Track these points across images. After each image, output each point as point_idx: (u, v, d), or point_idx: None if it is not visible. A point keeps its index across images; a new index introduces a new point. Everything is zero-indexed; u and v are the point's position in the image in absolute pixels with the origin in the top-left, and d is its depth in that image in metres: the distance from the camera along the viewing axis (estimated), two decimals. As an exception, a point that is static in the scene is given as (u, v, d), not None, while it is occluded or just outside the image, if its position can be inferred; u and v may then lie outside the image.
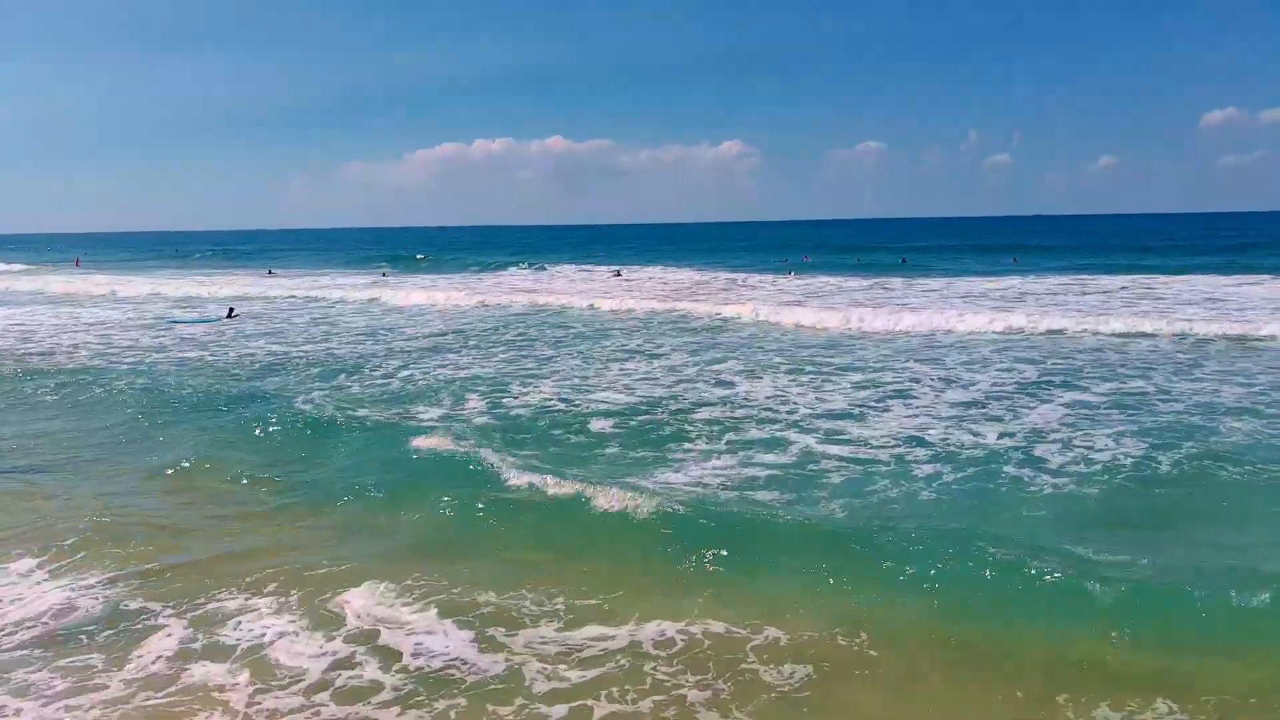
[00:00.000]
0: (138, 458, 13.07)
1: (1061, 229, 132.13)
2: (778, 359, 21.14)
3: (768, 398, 16.41)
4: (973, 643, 7.35)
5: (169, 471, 12.23)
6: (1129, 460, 11.87)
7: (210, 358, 23.07)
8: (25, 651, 7.33)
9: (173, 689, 6.78)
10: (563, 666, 7.02)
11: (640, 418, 14.96)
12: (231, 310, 34.12)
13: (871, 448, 12.82)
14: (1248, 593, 7.58)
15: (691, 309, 32.72)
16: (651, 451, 12.92)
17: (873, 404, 15.89)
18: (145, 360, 22.66)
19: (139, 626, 7.75)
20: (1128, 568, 8.36)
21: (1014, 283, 40.68)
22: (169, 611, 7.99)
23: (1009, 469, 11.69)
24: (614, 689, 6.72)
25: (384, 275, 59.23)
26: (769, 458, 12.40)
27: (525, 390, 17.52)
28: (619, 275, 53.91)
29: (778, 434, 13.65)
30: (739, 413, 15.21)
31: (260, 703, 6.61)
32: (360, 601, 8.07)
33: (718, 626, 7.58)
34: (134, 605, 8.13)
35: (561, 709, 6.46)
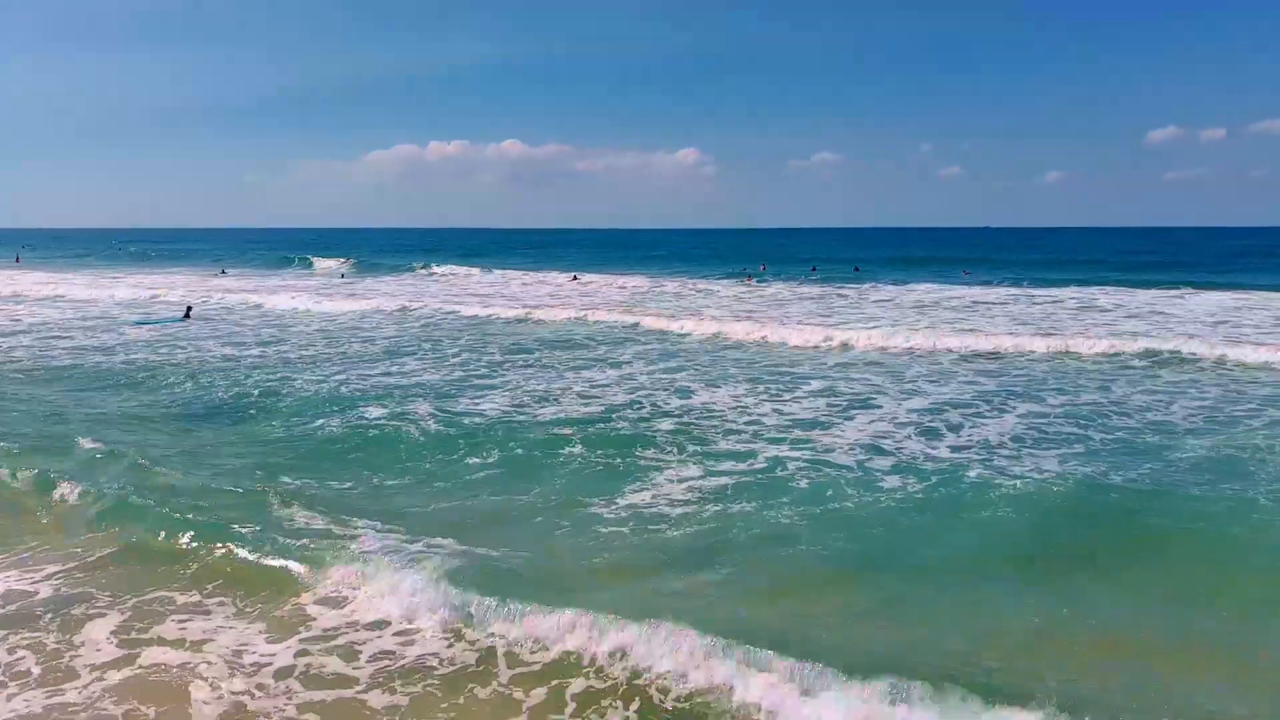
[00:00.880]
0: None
1: (1012, 242, 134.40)
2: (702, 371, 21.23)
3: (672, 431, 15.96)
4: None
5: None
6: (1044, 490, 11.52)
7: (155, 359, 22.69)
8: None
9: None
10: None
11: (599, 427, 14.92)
12: (189, 310, 33.63)
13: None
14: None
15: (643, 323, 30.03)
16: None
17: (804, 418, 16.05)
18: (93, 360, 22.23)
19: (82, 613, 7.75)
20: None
21: (964, 292, 41.41)
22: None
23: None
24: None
25: (343, 276, 59.49)
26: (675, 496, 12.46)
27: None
28: (576, 280, 53.94)
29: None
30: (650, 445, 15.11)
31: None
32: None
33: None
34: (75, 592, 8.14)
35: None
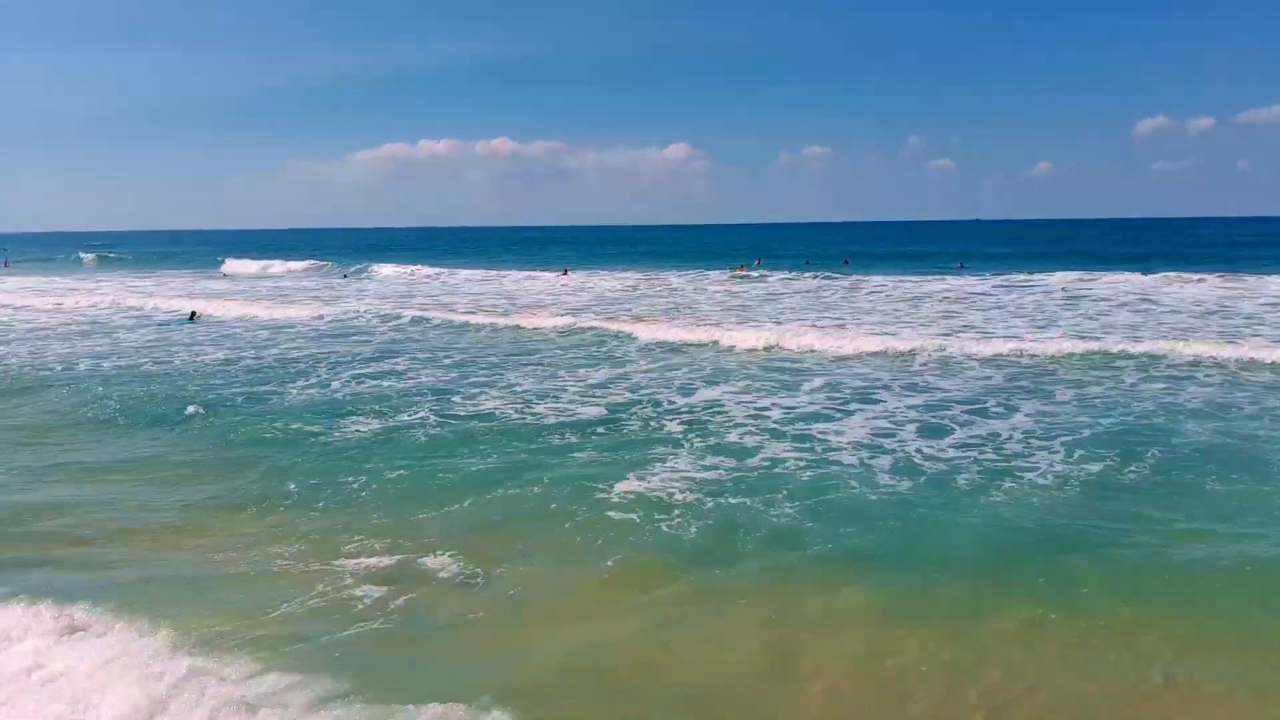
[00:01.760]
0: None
1: (1002, 234, 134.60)
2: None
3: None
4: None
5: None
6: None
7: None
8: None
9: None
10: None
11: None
12: (194, 314, 33.31)
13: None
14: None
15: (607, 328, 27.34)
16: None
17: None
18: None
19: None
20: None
21: (958, 283, 41.32)
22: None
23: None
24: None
25: (344, 277, 59.38)
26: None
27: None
28: (566, 275, 53.86)
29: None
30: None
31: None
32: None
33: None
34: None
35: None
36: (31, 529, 9.92)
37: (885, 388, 17.23)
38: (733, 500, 10.55)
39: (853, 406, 15.55)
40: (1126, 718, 6.35)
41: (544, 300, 39.09)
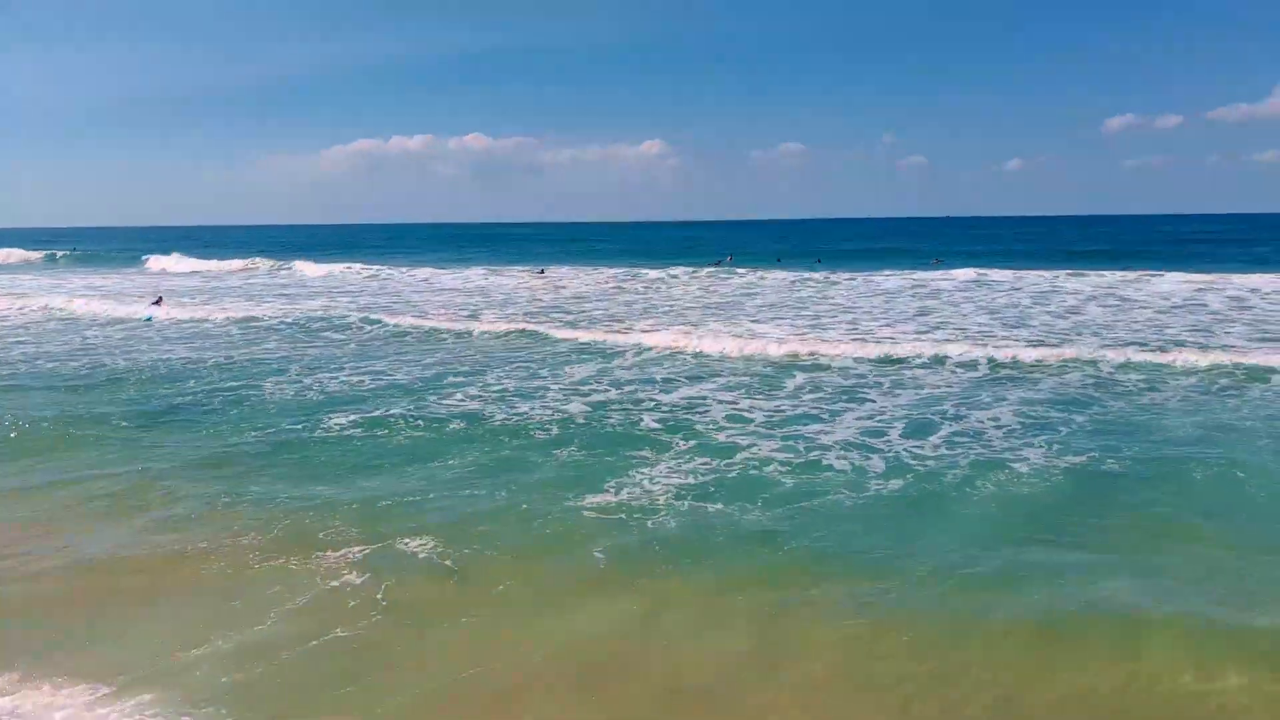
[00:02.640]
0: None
1: (974, 231, 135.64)
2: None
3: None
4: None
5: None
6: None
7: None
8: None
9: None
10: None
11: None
12: (159, 299, 33.29)
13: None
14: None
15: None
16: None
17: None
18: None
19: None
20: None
21: (925, 276, 41.53)
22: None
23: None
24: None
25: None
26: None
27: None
28: (543, 274, 53.49)
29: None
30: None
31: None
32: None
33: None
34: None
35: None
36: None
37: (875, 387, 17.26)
38: (718, 501, 10.53)
39: (839, 405, 15.58)
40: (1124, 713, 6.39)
41: (577, 293, 39.01)
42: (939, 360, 19.85)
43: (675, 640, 7.41)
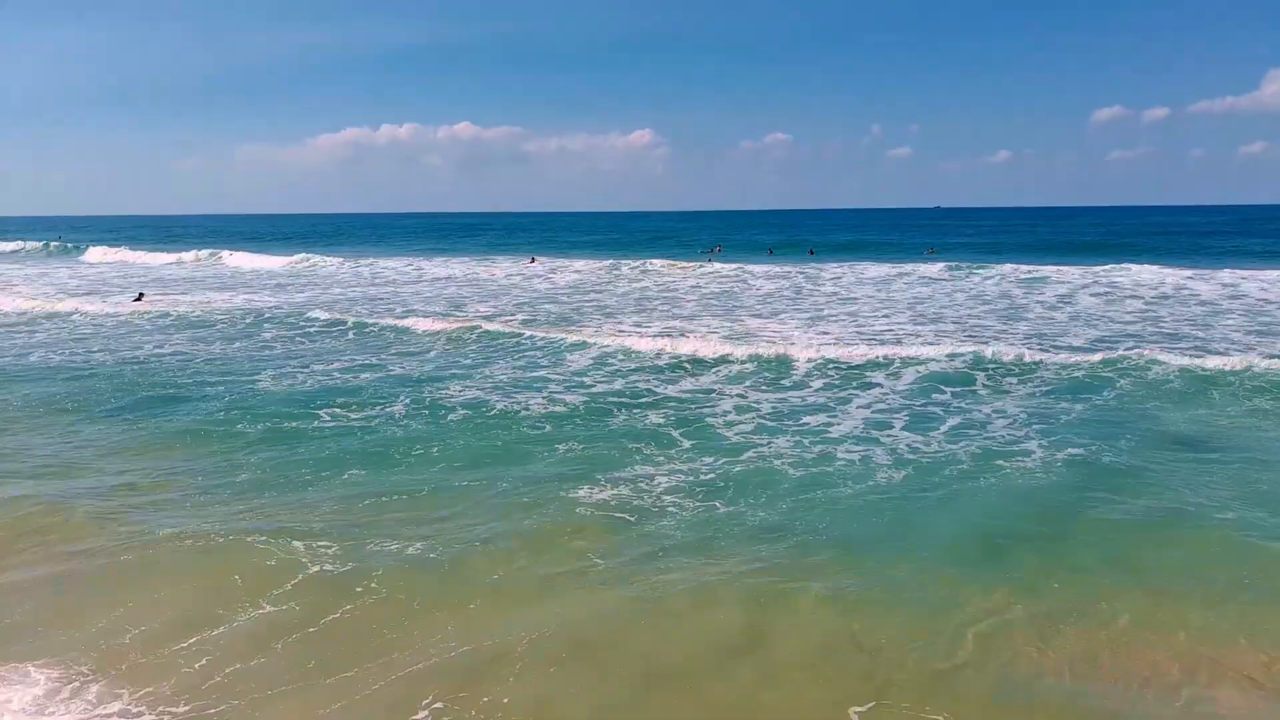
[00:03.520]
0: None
1: (961, 223, 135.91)
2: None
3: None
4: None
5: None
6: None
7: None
8: None
9: None
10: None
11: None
12: (140, 295, 32.95)
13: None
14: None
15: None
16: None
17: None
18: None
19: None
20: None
21: (912, 269, 41.27)
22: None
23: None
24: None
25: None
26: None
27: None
28: (533, 262, 53.25)
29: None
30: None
31: None
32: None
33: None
34: None
35: None
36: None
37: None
38: (718, 495, 10.28)
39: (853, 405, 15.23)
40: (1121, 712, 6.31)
41: (557, 284, 38.44)
42: (978, 363, 19.43)
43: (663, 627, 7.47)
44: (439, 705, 6.26)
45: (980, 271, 41.40)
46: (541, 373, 17.95)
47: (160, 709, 6.24)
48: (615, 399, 15.56)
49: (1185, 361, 17.74)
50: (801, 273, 42.79)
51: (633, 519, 9.71)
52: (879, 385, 16.45)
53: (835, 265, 46.36)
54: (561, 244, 79.22)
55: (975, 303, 30.48)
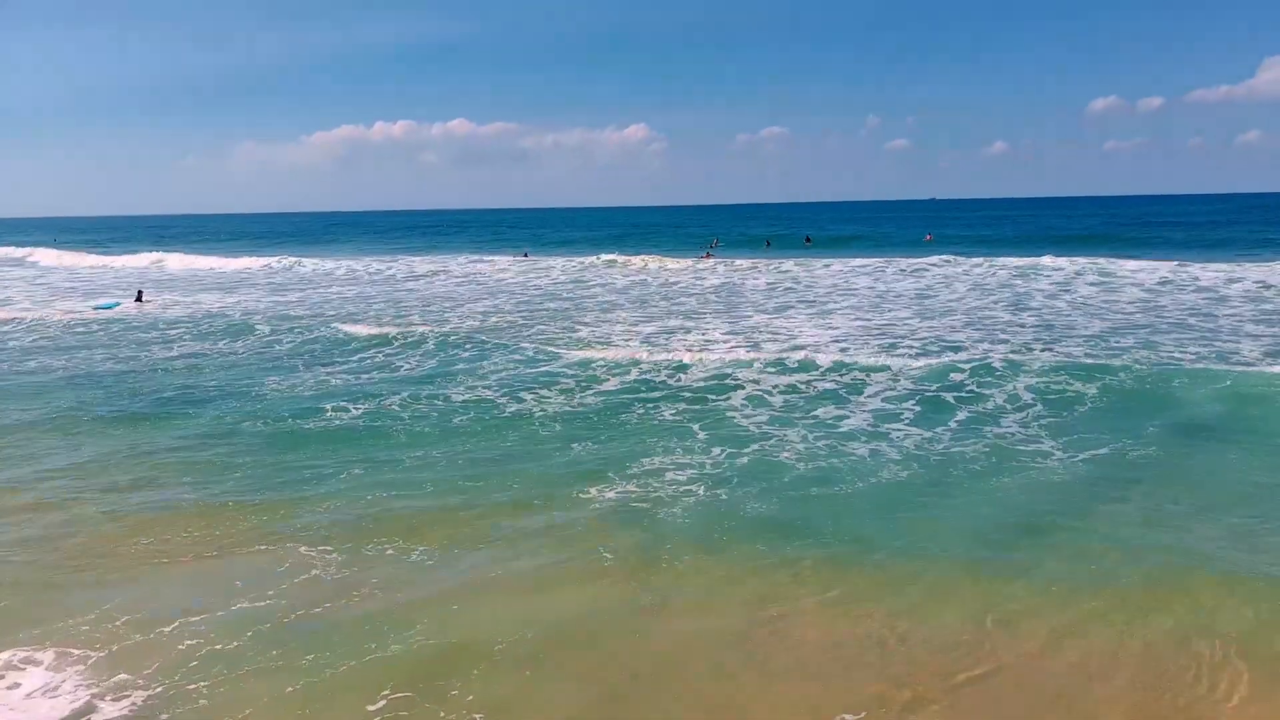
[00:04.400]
0: None
1: (959, 214, 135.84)
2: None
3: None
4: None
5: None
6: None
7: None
8: None
9: None
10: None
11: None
12: (140, 294, 32.56)
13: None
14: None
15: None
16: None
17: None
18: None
19: None
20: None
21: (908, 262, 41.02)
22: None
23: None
24: None
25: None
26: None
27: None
28: (526, 256, 53.23)
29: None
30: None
31: None
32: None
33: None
34: None
35: None
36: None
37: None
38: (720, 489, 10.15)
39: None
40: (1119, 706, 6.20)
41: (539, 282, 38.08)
42: (987, 368, 19.15)
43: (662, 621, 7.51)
44: (399, 696, 6.31)
45: (981, 262, 41.14)
46: (539, 370, 17.68)
47: (138, 692, 6.39)
48: (616, 399, 15.34)
49: (1194, 356, 17.53)
50: (800, 265, 42.45)
51: (632, 518, 9.61)
52: (885, 384, 16.18)
53: (832, 257, 46.05)
54: (556, 240, 78.86)
55: (979, 294, 30.23)
